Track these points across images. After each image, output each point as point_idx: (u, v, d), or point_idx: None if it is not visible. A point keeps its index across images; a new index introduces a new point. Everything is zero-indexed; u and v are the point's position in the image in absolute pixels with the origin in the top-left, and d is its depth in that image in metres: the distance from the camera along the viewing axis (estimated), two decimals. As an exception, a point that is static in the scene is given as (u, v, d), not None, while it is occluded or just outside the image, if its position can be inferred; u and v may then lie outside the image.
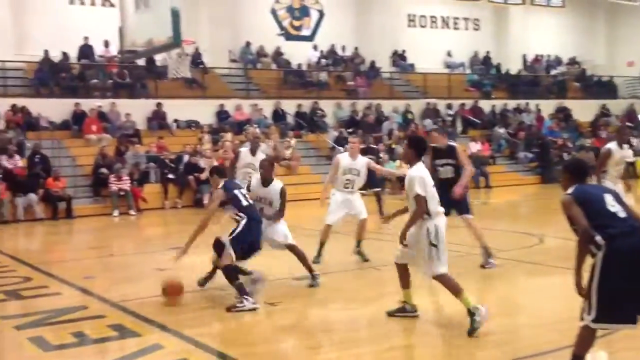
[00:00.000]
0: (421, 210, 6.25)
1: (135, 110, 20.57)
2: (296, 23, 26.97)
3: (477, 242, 9.11)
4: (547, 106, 27.89)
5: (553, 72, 30.56)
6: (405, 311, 6.78)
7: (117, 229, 15.50)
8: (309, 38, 27.02)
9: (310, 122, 23.17)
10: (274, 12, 26.41)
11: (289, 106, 23.32)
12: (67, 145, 19.08)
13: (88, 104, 19.91)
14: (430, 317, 6.84)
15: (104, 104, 20.37)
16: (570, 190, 4.80)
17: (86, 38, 21.92)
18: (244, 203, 7.72)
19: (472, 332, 6.07)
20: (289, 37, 26.66)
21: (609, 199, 4.76)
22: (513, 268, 9.32)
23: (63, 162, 18.13)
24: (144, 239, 14.52)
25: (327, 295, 8.02)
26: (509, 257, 9.67)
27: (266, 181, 8.27)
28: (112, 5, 21.64)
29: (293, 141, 21.12)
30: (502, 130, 25.20)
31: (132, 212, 16.92)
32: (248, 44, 25.19)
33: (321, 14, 27.23)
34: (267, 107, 22.89)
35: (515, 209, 17.80)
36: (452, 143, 9.21)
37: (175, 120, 21.35)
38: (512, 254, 9.89)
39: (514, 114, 26.91)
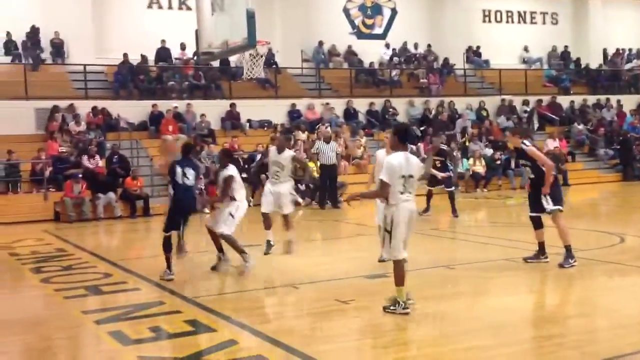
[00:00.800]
0: (381, 193, 6.79)
1: (209, 110, 20.98)
2: (368, 21, 26.89)
3: (560, 240, 8.85)
4: (629, 101, 26.82)
5: (628, 65, 29.27)
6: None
7: (192, 226, 15.77)
8: (381, 36, 26.88)
9: (382, 120, 23.06)
10: (346, 11, 26.42)
11: (361, 105, 23.28)
12: (144, 146, 19.64)
13: (165, 105, 20.44)
14: (505, 318, 6.68)
15: (180, 105, 20.87)
16: None
17: (163, 41, 22.51)
18: (179, 181, 8.63)
19: (386, 309, 6.78)
20: (361, 35, 26.60)
21: None
22: (593, 268, 9.00)
23: (141, 162, 18.67)
24: (218, 236, 14.75)
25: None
26: (589, 257, 9.35)
27: (220, 167, 9.42)
28: (188, 8, 22.14)
29: (364, 140, 21.07)
30: (581, 127, 24.40)
31: (206, 210, 17.24)
32: (320, 43, 25.27)
33: (394, 12, 27.05)
34: (338, 106, 22.93)
35: (595, 207, 17.20)
36: (524, 145, 8.98)
37: (248, 120, 21.65)
38: (592, 253, 9.57)
39: (593, 110, 26.02)
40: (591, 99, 26.54)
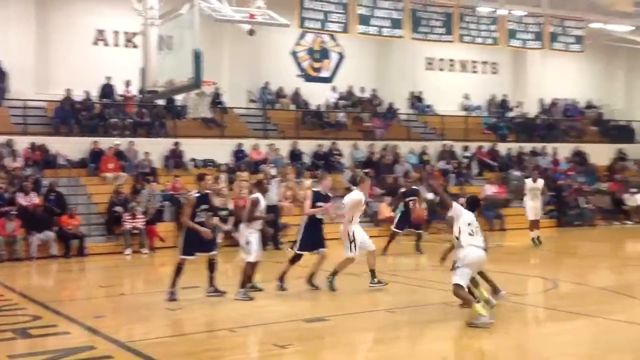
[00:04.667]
0: None
1: (153, 149, 20.71)
2: (316, 65, 27.22)
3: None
4: (564, 149, 27.77)
5: (511, 114, 29.78)
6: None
7: (129, 267, 15.50)
8: (328, 79, 27.22)
9: (326, 162, 23.20)
10: (294, 54, 26.69)
11: (306, 146, 23.41)
12: (83, 183, 19.20)
13: (106, 143, 20.11)
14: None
15: (122, 142, 20.57)
16: None
17: (108, 78, 22.25)
18: None
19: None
20: (308, 78, 26.87)
21: None
22: (527, 313, 9.17)
23: (78, 200, 18.23)
24: (156, 278, 14.48)
25: (338, 337, 7.91)
26: (524, 302, 9.52)
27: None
28: (135, 46, 21.94)
29: (308, 181, 21.12)
30: (518, 173, 25.06)
31: (144, 250, 16.95)
32: (266, 84, 25.45)
33: (341, 56, 27.46)
34: (284, 147, 23.00)
35: (531, 252, 17.58)
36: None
37: (192, 159, 21.48)
38: (527, 298, 9.75)
39: (530, 157, 26.79)
40: (528, 147, 27.34)
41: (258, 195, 10.34)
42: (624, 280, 11.89)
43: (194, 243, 9.94)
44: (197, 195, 10.08)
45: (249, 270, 10.15)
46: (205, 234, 9.86)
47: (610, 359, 6.78)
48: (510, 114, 29.28)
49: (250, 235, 10.08)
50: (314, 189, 11.09)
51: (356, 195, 10.74)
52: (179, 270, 9.97)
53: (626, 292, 10.20)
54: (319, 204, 10.64)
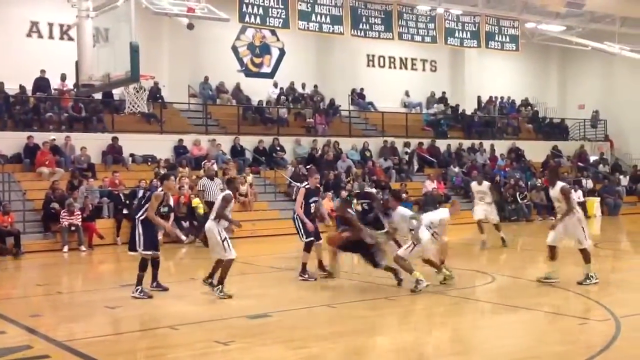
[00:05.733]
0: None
1: (90, 144, 20.29)
2: (257, 60, 27.12)
3: None
4: (501, 146, 28.49)
5: (432, 110, 29.96)
6: None
7: (67, 265, 15.14)
8: (269, 75, 27.16)
9: (268, 158, 23.17)
10: (234, 49, 26.52)
11: (248, 142, 23.32)
12: (18, 179, 18.67)
13: (42, 137, 19.57)
14: (381, 357, 6.78)
15: (58, 137, 20.05)
16: None
17: (43, 71, 21.64)
18: None
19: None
20: (249, 73, 26.75)
21: None
22: (465, 306, 9.38)
23: (13, 196, 17.70)
24: (94, 275, 14.21)
25: (280, 333, 7.94)
26: (463, 295, 9.74)
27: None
28: (70, 39, 21.38)
29: (250, 177, 21.07)
30: (456, 169, 25.59)
31: (82, 248, 16.59)
32: (206, 79, 25.23)
33: (282, 52, 27.45)
34: (225, 142, 22.85)
35: (469, 247, 17.95)
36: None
37: (131, 155, 21.11)
38: (465, 292, 9.97)
39: (468, 154, 27.37)
40: (466, 143, 27.94)
41: (229, 192, 10.12)
42: (559, 274, 12.28)
43: (153, 238, 9.91)
44: (163, 193, 9.95)
45: (229, 267, 9.84)
46: (169, 230, 10.18)
47: (546, 350, 7.00)
48: (431, 110, 29.74)
49: (223, 232, 9.76)
50: (306, 186, 11.39)
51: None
52: (145, 266, 9.84)
53: (561, 285, 10.54)
54: (313, 199, 11.32)
